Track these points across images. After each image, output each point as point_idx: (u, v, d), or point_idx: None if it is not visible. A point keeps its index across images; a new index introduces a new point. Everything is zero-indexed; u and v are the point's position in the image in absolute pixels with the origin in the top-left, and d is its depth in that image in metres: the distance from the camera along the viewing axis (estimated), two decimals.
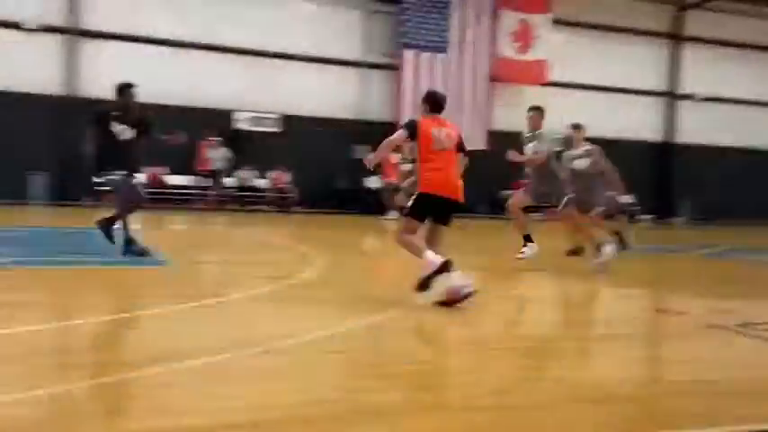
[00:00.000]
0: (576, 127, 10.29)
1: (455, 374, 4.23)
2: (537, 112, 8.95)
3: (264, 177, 20.04)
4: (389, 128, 20.46)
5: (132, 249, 7.80)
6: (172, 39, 18.75)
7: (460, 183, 6.09)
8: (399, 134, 6.06)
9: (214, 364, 3.94)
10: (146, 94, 18.69)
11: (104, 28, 18.21)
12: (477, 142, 21.50)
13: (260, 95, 19.65)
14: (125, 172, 7.84)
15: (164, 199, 18.59)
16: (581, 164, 10.05)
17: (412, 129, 6.02)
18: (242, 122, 19.84)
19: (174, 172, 18.91)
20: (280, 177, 19.95)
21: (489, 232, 16.23)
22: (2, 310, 5.33)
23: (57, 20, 17.73)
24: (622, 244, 11.01)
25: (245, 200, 19.64)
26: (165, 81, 18.62)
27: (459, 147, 6.18)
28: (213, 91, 19.17)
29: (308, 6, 20.48)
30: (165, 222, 15.13)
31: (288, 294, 6.29)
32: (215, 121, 19.00)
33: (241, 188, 19.72)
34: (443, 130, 6.09)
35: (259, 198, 19.86)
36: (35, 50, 17.54)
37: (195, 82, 18.96)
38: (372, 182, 19.75)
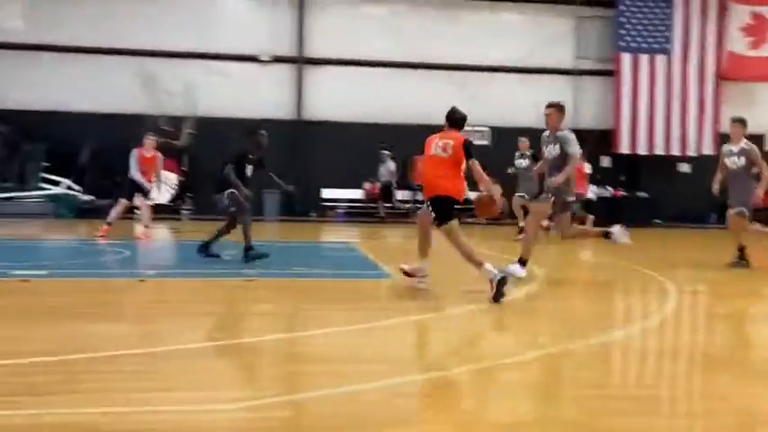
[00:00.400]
0: (737, 121, 9.34)
1: (697, 401, 3.96)
2: (555, 109, 8.14)
3: (475, 190, 20.13)
4: (607, 136, 19.88)
5: (210, 253, 9.10)
6: (387, 60, 19.54)
7: (439, 182, 7.01)
8: None
9: (446, 378, 4.03)
10: (364, 113, 19.82)
11: (326, 55, 19.44)
12: (704, 146, 20.02)
13: (470, 109, 19.79)
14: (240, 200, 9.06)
15: (383, 212, 19.40)
16: (736, 162, 9.16)
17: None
18: None
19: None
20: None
21: (716, 243, 14.96)
22: (251, 319, 5.87)
23: (286, 51, 19.25)
24: (744, 260, 9.46)
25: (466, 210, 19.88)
26: (382, 100, 19.48)
27: (466, 153, 7.02)
28: (425, 107, 19.69)
29: (517, 18, 20.37)
30: (386, 235, 15.75)
31: (511, 309, 6.26)
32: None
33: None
34: (441, 142, 7.13)
35: (470, 211, 19.99)
36: (270, 80, 19.19)
37: (409, 99, 19.60)
38: (590, 193, 19.10)
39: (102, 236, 11.68)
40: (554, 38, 20.29)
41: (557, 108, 8.17)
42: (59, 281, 7.52)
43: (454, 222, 7.02)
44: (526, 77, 20.19)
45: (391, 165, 19.08)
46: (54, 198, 17.33)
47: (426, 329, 5.51)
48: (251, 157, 9.25)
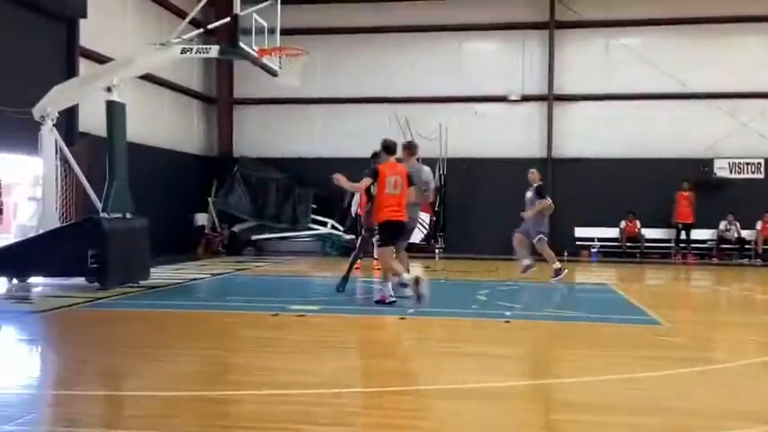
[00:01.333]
0: None
1: None
2: (405, 149, 9.47)
3: (749, 228, 18.23)
4: None
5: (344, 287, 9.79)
6: (642, 92, 18.60)
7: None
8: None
9: None
10: (618, 148, 18.95)
11: (576, 90, 18.99)
12: None
13: (740, 140, 18.15)
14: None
15: (639, 252, 18.34)
16: None
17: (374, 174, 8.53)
18: (721, 170, 18.53)
19: (647, 225, 18.49)
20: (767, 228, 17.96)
21: None
22: (510, 362, 5.81)
23: (536, 89, 19.16)
24: None
25: (726, 252, 18.13)
26: (637, 134, 18.55)
27: (409, 182, 8.64)
28: (687, 139, 18.39)
29: None
30: (643, 277, 14.84)
31: None
32: (692, 170, 18.16)
33: (722, 240, 18.25)
34: (393, 179, 8.45)
35: (742, 251, 18.13)
36: (519, 118, 19.23)
37: (667, 131, 18.46)
38: None
39: (356, 268, 12.66)
40: None
41: (406, 148, 9.72)
42: (328, 316, 8.08)
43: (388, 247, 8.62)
44: None
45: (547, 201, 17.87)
46: (321, 237, 18.83)
47: (702, 383, 5.03)
48: None
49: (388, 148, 8.74)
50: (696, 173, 18.24)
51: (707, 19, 18.35)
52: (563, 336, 7.06)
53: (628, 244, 18.45)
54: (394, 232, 8.63)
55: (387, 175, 8.49)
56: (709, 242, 18.44)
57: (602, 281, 13.04)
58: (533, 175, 12.72)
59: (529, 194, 12.50)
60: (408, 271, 9.19)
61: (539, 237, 12.10)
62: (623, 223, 18.45)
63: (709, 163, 18.50)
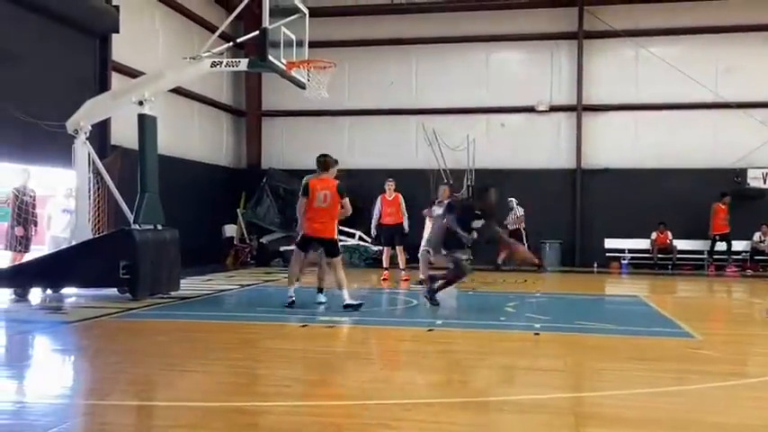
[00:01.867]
0: None
1: None
2: (324, 159, 9.45)
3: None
4: None
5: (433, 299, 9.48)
6: (673, 102, 18.40)
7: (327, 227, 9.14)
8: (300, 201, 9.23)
9: None
10: (649, 158, 18.72)
11: (606, 100, 18.85)
12: None
13: None
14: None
15: (671, 264, 18.09)
16: None
17: (305, 189, 9.12)
18: (754, 180, 18.23)
19: (678, 236, 18.22)
20: None
21: None
22: (543, 375, 5.75)
23: (564, 99, 19.05)
24: None
25: (761, 264, 17.79)
26: (669, 144, 18.34)
27: (340, 194, 9.15)
28: (721, 149, 18.13)
29: None
30: (676, 289, 14.62)
31: None
32: (724, 180, 17.89)
33: (756, 251, 17.91)
34: (322, 193, 9.00)
35: None
36: (547, 129, 19.13)
37: (700, 142, 18.23)
38: None
39: (384, 279, 12.79)
40: None
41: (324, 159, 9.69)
42: (357, 327, 8.09)
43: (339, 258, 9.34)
44: None
45: (519, 211, 17.63)
46: (348, 249, 18.81)
47: (735, 397, 4.93)
48: (479, 213, 9.60)
49: (321, 164, 9.34)
50: (729, 183, 17.97)
51: (738, 27, 18.13)
52: (593, 348, 6.97)
53: (659, 255, 18.21)
54: (309, 245, 9.42)
55: (317, 189, 9.09)
56: (743, 253, 18.11)
57: (633, 293, 12.87)
58: (445, 191, 12.87)
59: (439, 210, 12.23)
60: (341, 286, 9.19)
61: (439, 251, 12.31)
62: (654, 234, 18.21)
63: (742, 173, 18.22)
